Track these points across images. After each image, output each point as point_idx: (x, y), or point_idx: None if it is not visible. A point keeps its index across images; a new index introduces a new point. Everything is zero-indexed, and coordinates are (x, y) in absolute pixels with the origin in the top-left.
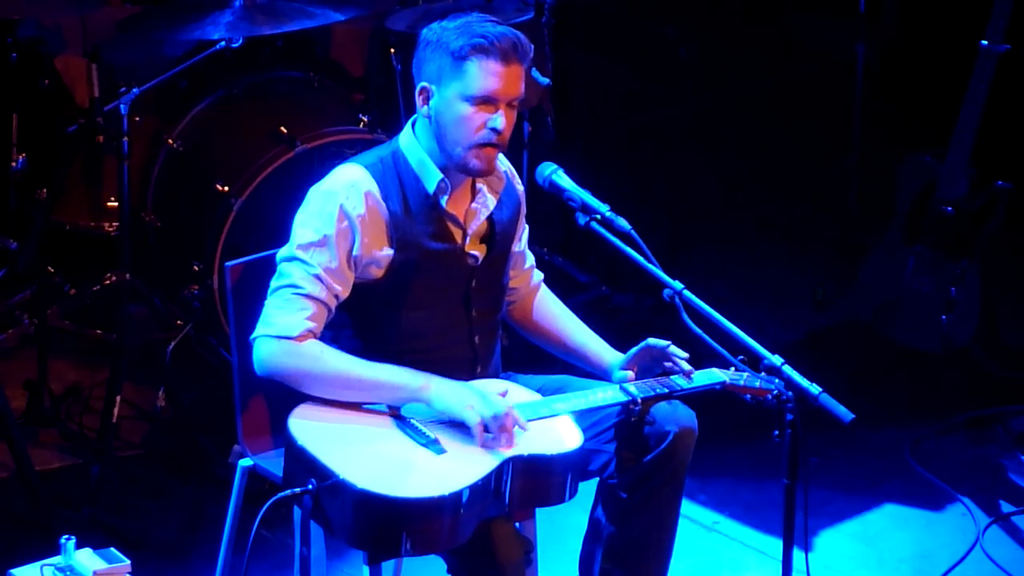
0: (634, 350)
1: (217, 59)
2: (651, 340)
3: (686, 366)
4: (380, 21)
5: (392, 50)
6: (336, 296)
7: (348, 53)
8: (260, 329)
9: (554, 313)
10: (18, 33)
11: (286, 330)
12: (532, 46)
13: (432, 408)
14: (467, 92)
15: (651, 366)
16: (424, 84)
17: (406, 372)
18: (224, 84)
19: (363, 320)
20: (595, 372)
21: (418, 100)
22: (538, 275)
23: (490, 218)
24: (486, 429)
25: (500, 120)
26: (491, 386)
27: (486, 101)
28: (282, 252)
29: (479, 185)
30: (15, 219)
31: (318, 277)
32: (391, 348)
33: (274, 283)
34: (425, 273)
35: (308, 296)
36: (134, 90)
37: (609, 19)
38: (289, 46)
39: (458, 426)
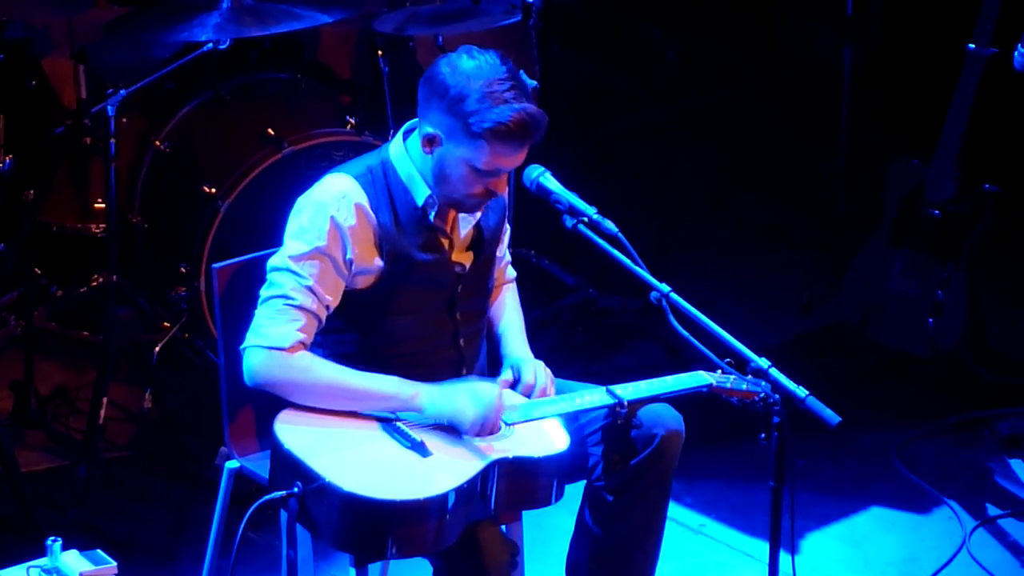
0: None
1: (204, 61)
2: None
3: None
4: (368, 23)
5: (380, 52)
6: (327, 307)
7: (336, 55)
8: (250, 339)
9: (499, 301)
10: (5, 34)
11: (277, 341)
12: (547, 119)
13: (425, 415)
14: (476, 164)
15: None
16: (433, 132)
17: (397, 381)
18: (211, 86)
19: (349, 325)
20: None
21: (420, 140)
22: (510, 272)
23: (477, 225)
24: (482, 429)
25: (501, 186)
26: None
27: (493, 174)
28: (272, 261)
29: None
30: (2, 220)
31: (310, 289)
32: (377, 352)
33: (265, 292)
34: (412, 282)
35: (300, 307)
36: (121, 91)
37: (596, 22)
38: (277, 48)
39: (444, 429)
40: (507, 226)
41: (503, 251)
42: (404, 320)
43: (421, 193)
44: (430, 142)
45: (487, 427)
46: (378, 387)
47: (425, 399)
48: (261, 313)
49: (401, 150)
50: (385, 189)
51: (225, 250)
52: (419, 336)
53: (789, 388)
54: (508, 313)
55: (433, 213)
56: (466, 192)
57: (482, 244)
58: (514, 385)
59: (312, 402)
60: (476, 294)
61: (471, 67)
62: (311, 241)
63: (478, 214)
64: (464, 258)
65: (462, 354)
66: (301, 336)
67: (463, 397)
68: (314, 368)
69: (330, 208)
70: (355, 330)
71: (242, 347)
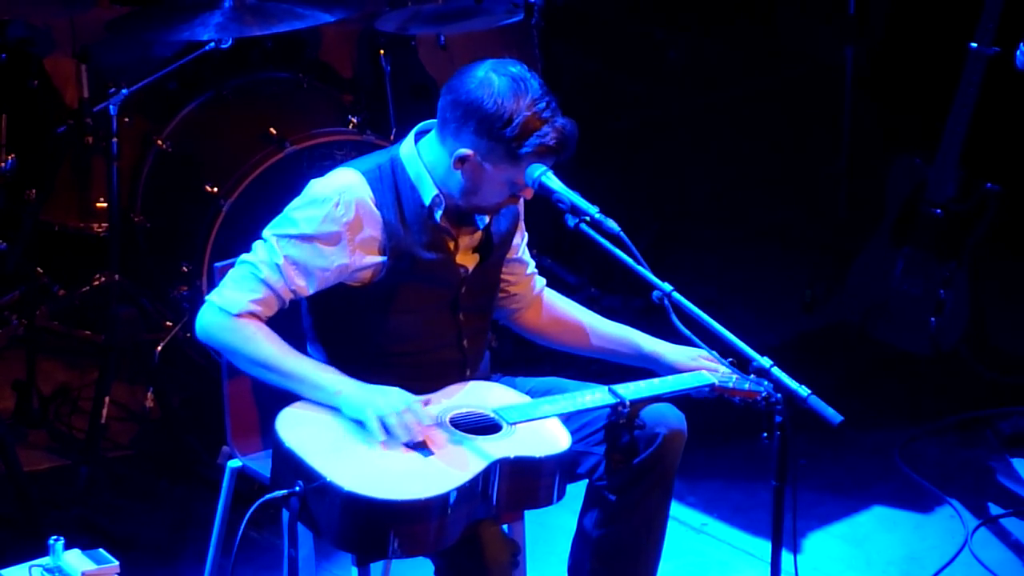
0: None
1: (206, 60)
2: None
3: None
4: (369, 22)
5: (381, 51)
6: (293, 291)
7: (337, 54)
8: (212, 293)
9: (576, 312)
10: (7, 33)
11: (229, 305)
12: (577, 126)
13: (343, 414)
14: (517, 180)
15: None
16: (468, 153)
17: (328, 373)
18: (213, 85)
19: (352, 323)
20: (634, 362)
21: (452, 161)
22: (540, 281)
23: (487, 228)
24: (384, 428)
25: (529, 191)
26: (481, 388)
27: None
28: (267, 227)
29: None
30: (4, 220)
31: (279, 268)
32: (380, 351)
33: (244, 255)
34: (415, 280)
35: (263, 281)
36: (123, 91)
37: (598, 21)
38: (278, 47)
39: (445, 428)
40: (524, 233)
41: (521, 253)
42: (406, 319)
43: (428, 192)
44: (462, 161)
45: (393, 428)
46: (307, 373)
47: (343, 398)
48: (231, 273)
49: (412, 151)
50: (392, 187)
51: (227, 249)
52: (421, 336)
53: (791, 387)
54: (596, 317)
55: (439, 212)
56: (496, 201)
57: (490, 248)
58: None
59: (247, 370)
60: (480, 296)
61: (505, 87)
62: (300, 226)
63: (487, 218)
64: (469, 260)
65: (465, 355)
66: (253, 308)
67: (375, 400)
68: (255, 338)
69: (331, 201)
70: (358, 329)
71: (205, 296)
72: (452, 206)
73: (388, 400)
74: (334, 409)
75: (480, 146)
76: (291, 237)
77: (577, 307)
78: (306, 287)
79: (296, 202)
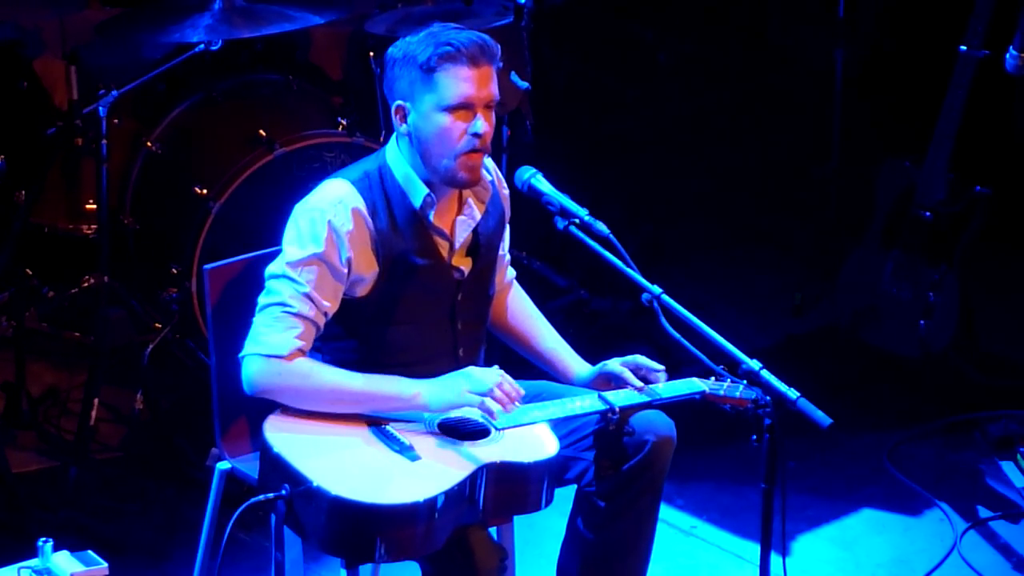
0: (594, 371)
1: (196, 62)
2: (608, 365)
3: (656, 366)
4: (359, 24)
5: (371, 53)
6: (325, 314)
7: (327, 56)
8: (249, 347)
9: (527, 314)
10: None
11: (275, 349)
12: (499, 46)
13: (431, 411)
14: (442, 103)
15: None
16: (399, 103)
17: (397, 381)
18: (203, 87)
19: (349, 334)
20: (559, 380)
21: (395, 120)
22: (511, 272)
23: (475, 230)
24: (492, 401)
25: (480, 124)
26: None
27: (462, 107)
28: (270, 268)
29: (466, 196)
30: None
31: (307, 296)
32: (377, 362)
33: (263, 300)
34: (411, 289)
35: (297, 315)
36: (113, 92)
37: (588, 23)
38: (268, 49)
39: (434, 433)
40: (507, 227)
41: (503, 250)
42: (405, 329)
43: (418, 193)
44: (401, 113)
45: (501, 400)
46: (379, 388)
47: (427, 397)
48: (259, 321)
49: (396, 152)
50: (382, 194)
51: (216, 251)
52: (419, 346)
53: (780, 390)
54: (546, 327)
55: (432, 213)
56: (452, 148)
57: (479, 249)
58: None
59: (313, 407)
60: (476, 302)
61: (411, 36)
62: (308, 247)
63: (478, 214)
64: (463, 263)
65: (460, 365)
66: (299, 343)
67: (463, 381)
68: (314, 374)
69: (327, 213)
70: (356, 339)
71: (240, 355)
72: (442, 183)
73: (475, 378)
74: (322, 413)
75: (404, 85)
76: (304, 262)
77: (536, 313)
78: (333, 306)
79: (294, 225)
